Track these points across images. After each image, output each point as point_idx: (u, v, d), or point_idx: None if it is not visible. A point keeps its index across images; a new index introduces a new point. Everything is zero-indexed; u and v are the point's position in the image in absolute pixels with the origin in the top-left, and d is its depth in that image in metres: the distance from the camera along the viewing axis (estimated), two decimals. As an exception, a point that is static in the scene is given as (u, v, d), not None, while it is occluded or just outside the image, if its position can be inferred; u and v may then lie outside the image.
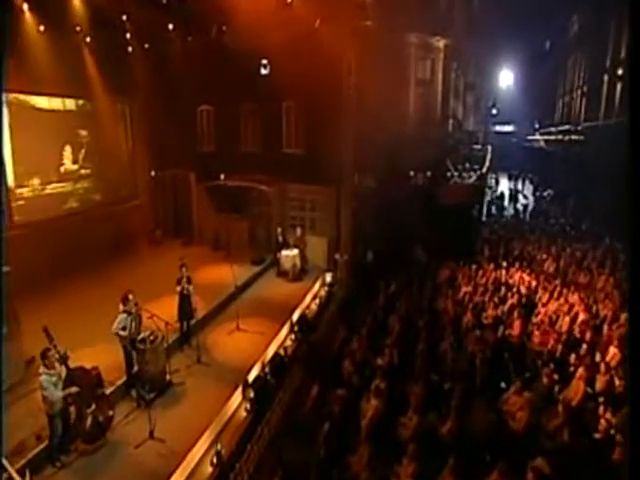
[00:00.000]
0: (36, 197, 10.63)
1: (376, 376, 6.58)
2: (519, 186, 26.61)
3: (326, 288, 11.10)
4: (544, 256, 12.71)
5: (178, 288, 7.89)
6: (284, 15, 8.93)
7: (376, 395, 6.06)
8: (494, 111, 20.80)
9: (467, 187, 16.01)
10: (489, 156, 22.73)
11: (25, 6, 9.13)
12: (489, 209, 21.38)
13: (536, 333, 8.21)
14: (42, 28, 9.62)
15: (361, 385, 6.65)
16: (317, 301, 10.44)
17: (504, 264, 11.79)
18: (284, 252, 11.13)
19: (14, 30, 9.19)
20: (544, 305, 9.49)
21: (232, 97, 11.25)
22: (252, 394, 6.85)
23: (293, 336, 8.80)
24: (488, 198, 22.04)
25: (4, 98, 9.37)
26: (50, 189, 10.93)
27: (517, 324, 8.42)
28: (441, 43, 13.44)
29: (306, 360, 7.92)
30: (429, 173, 13.68)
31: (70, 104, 11.15)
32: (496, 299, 9.75)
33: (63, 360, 5.61)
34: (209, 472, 5.66)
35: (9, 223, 10.02)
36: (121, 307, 6.66)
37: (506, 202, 22.67)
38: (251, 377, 7.29)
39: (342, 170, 10.76)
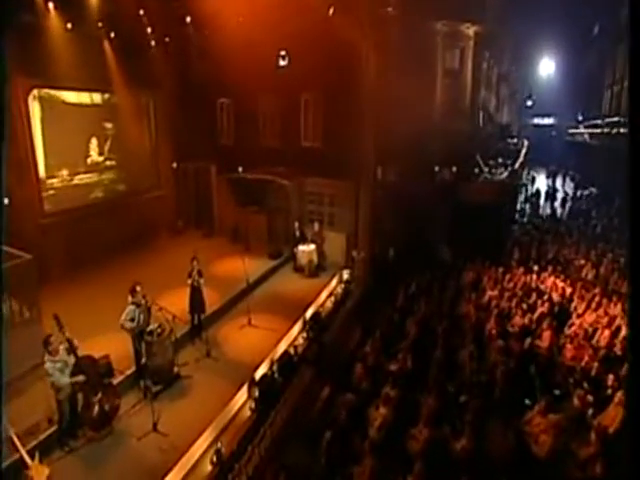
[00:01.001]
0: (65, 187, 11.04)
1: (387, 382, 6.33)
2: (558, 183, 25.00)
3: (343, 286, 10.88)
4: (582, 261, 11.61)
5: (189, 281, 7.95)
6: (301, 3, 8.68)
7: (385, 403, 5.83)
8: (529, 102, 19.62)
9: (497, 184, 15.26)
10: (524, 151, 21.60)
11: (51, 5, 9.37)
12: (523, 208, 20.14)
13: (569, 347, 7.48)
14: (69, 26, 9.89)
15: (371, 391, 6.39)
16: (332, 299, 10.24)
17: (535, 268, 10.97)
18: (301, 247, 11.02)
19: (42, 30, 9.52)
20: (580, 316, 8.67)
21: (250, 90, 11.16)
22: (257, 393, 6.78)
23: (305, 335, 8.66)
24: (522, 196, 20.89)
25: (33, 95, 9.69)
26: (77, 180, 11.32)
27: (547, 335, 7.70)
28: (471, 30, 12.71)
29: (316, 361, 7.78)
30: (455, 169, 13.10)
31: (97, 98, 11.47)
32: (524, 306, 9.04)
33: (71, 347, 5.76)
34: (208, 471, 5.64)
35: (40, 212, 10.51)
36: (130, 299, 6.76)
37: (542, 201, 21.15)
38: (258, 375, 7.21)
39: (361, 164, 10.47)
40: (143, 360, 6.87)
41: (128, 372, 6.99)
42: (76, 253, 10.52)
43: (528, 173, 24.46)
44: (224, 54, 9.84)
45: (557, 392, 6.31)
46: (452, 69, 13.27)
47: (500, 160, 19.61)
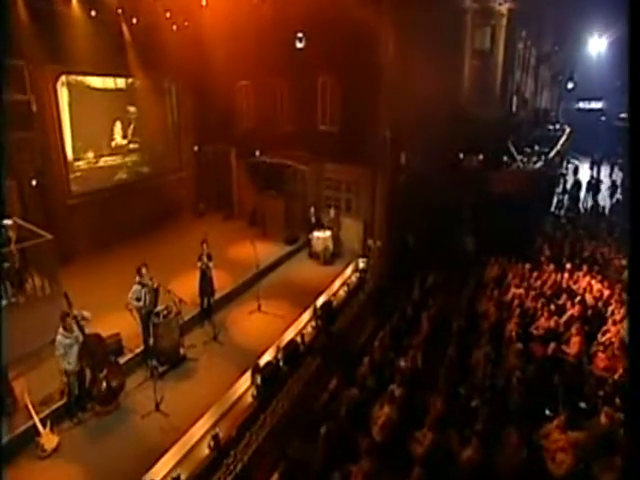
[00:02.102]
0: (90, 169, 11.44)
1: (394, 380, 6.15)
2: (603, 173, 22.98)
3: (358, 275, 10.71)
4: (623, 262, 10.32)
5: (199, 264, 8.06)
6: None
7: (390, 401, 5.65)
8: (570, 85, 18.20)
9: (530, 173, 14.41)
10: (564, 138, 20.25)
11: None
12: (561, 200, 18.75)
13: (601, 356, 6.77)
14: (93, 13, 10.08)
15: (376, 388, 6.22)
16: (346, 288, 10.10)
17: (568, 266, 9.99)
18: (316, 233, 10.91)
19: (67, 18, 9.75)
20: (617, 322, 7.77)
21: (268, 72, 11.02)
22: (260, 380, 6.81)
23: (314, 324, 8.60)
24: (561, 187, 19.53)
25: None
26: (102, 162, 11.70)
27: (576, 341, 6.99)
28: (504, 7, 11.81)
29: (323, 352, 7.70)
30: (481, 156, 12.47)
31: (120, 83, 11.72)
32: (552, 307, 8.30)
33: (77, 325, 6.02)
34: (205, 455, 5.74)
35: (67, 193, 10.97)
36: (137, 278, 6.94)
37: (584, 192, 18.99)
38: (263, 362, 7.22)
39: (379, 150, 10.14)
40: (151, 341, 7.11)
41: (137, 351, 7.25)
42: (101, 233, 10.92)
43: (568, 162, 22.91)
44: (242, 36, 9.71)
45: (583, 405, 5.80)
46: (482, 50, 12.48)
47: (537, 148, 18.53)
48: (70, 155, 10.90)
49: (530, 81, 17.40)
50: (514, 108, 15.05)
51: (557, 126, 23.97)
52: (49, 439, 5.69)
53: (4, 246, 7.44)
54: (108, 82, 11.46)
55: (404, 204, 11.85)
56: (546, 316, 7.97)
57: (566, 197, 18.84)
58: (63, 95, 10.47)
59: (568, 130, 22.81)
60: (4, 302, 7.11)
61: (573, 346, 7.03)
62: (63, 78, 10.40)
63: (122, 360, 6.99)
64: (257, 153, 11.62)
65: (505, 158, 13.60)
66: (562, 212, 17.24)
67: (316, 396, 6.65)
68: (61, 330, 5.92)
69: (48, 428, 5.75)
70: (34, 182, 9.16)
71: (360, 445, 5.19)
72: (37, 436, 5.64)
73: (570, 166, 23.09)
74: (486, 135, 13.03)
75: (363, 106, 10.08)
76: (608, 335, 7.36)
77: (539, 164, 15.77)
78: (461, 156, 12.41)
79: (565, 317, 7.88)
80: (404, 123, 10.26)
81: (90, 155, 11.40)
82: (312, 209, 11.35)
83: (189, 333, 7.98)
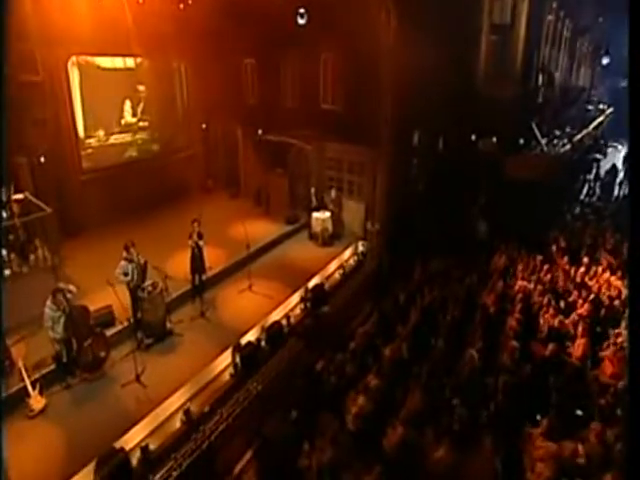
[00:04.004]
0: (101, 147, 11.81)
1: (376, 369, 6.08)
2: None
3: (356, 258, 10.62)
4: None
5: (190, 242, 8.22)
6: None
7: (364, 392, 5.66)
8: (605, 60, 16.71)
9: (551, 158, 13.58)
10: (600, 119, 18.79)
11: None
12: (592, 187, 17.20)
13: (608, 361, 6.28)
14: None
15: (355, 376, 6.18)
16: (341, 271, 10.04)
17: (585, 260, 9.32)
18: (315, 214, 10.83)
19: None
20: None
21: (272, 50, 10.80)
22: (239, 359, 6.94)
23: (302, 306, 8.65)
24: (593, 173, 18.14)
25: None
26: (113, 139, 12.03)
27: (580, 343, 6.55)
28: (526, -24, 10.93)
29: (306, 335, 7.74)
30: (494, 139, 11.82)
31: (130, 62, 11.87)
32: (562, 304, 7.83)
33: (65, 298, 6.35)
34: (176, 428, 5.96)
35: (79, 169, 11.41)
36: (124, 254, 7.19)
37: (620, 179, 17.16)
38: (245, 341, 7.33)
39: (382, 130, 9.82)
40: (139, 314, 7.42)
41: (127, 323, 7.58)
42: (111, 208, 11.26)
43: (607, 145, 21.27)
44: (248, 13, 9.51)
45: (579, 413, 5.41)
46: (502, 24, 11.59)
47: (569, 130, 17.36)
48: (81, 133, 11.27)
49: (563, 57, 16.11)
50: (539, 87, 14.04)
51: (601, 106, 22.30)
52: (37, 401, 6.12)
53: (10, 219, 7.92)
54: (117, 62, 11.64)
55: (412, 187, 11.53)
56: (551, 313, 7.52)
57: (598, 184, 17.58)
58: (74, 75, 10.76)
59: (608, 111, 21.08)
60: (7, 272, 7.60)
61: (577, 348, 6.60)
62: (73, 59, 10.67)
63: (113, 331, 7.38)
64: (259, 132, 11.57)
65: (522, 141, 12.80)
66: (592, 200, 16.12)
67: (294, 378, 6.75)
68: (49, 303, 6.27)
69: (37, 391, 6.18)
70: (42, 159, 9.56)
71: (327, 432, 5.22)
72: (27, 397, 6.08)
73: (610, 150, 21.47)
74: (504, 116, 12.30)
75: (366, 84, 9.72)
76: (620, 339, 6.77)
77: (566, 147, 14.79)
78: (473, 138, 11.78)
79: (573, 316, 7.36)
80: (411, 103, 9.83)
81: (101, 133, 11.74)
82: (313, 189, 11.25)
83: (179, 309, 8.24)
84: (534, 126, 14.04)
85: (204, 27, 10.96)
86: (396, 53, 9.17)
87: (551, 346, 6.49)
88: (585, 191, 17.21)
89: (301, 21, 9.28)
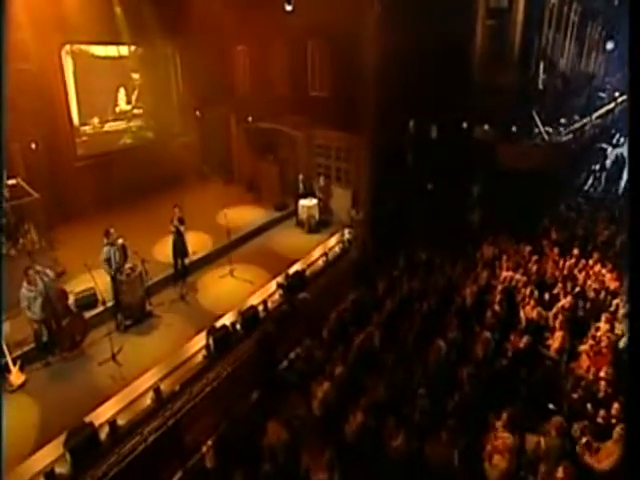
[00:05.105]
0: (96, 134, 12.05)
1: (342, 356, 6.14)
2: None
3: (341, 245, 10.65)
4: None
5: (171, 227, 8.41)
6: None
7: (328, 378, 5.76)
8: (609, 45, 16.05)
9: (548, 148, 13.24)
10: (609, 107, 18.15)
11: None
12: (598, 178, 16.68)
13: (588, 354, 6.16)
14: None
15: (325, 361, 6.23)
16: (325, 258, 10.10)
17: (575, 252, 9.12)
18: (302, 202, 10.90)
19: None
20: (613, 319, 7.04)
21: (262, 37, 10.78)
22: (212, 341, 7.08)
23: (281, 291, 8.76)
24: (599, 164, 17.59)
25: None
26: (107, 127, 12.26)
27: (558, 335, 6.48)
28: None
29: (281, 319, 7.86)
30: (487, 126, 11.60)
31: (123, 51, 12.00)
32: (547, 296, 7.71)
33: (42, 280, 6.62)
34: (146, 405, 6.13)
35: (74, 156, 11.68)
36: (105, 240, 7.42)
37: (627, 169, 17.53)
38: (220, 324, 7.43)
39: (366, 117, 9.76)
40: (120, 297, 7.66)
41: (109, 305, 7.84)
42: (106, 194, 11.55)
43: (614, 135, 20.60)
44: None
45: (551, 406, 5.43)
46: (498, 8, 11.24)
47: (577, 119, 16.87)
48: (76, 120, 11.52)
49: (570, 43, 15.57)
50: (540, 73, 13.64)
51: (616, 94, 21.54)
52: (17, 377, 6.44)
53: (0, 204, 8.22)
54: (111, 50, 11.79)
55: (402, 175, 11.43)
56: (532, 305, 7.41)
57: (604, 174, 17.06)
58: (68, 63, 10.96)
59: (621, 99, 20.38)
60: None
61: (555, 341, 6.55)
62: (67, 47, 10.86)
63: (96, 312, 7.66)
64: (249, 119, 11.63)
65: (522, 130, 12.49)
66: (591, 191, 15.72)
67: (264, 362, 6.91)
68: (25, 284, 6.53)
69: (17, 367, 6.51)
70: (33, 146, 9.83)
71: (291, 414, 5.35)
72: (8, 373, 6.41)
73: (622, 139, 20.77)
74: (501, 104, 12.04)
75: (352, 71, 9.65)
76: (599, 333, 6.65)
77: (567, 137, 14.40)
78: (465, 125, 11.58)
79: (555, 309, 7.24)
80: (398, 89, 9.71)
81: (95, 120, 11.97)
82: (301, 176, 11.29)
83: (161, 292, 8.49)
84: (535, 114, 13.68)
85: (200, 14, 11.01)
86: (381, 39, 9.05)
87: (525, 338, 6.44)
88: (590, 182, 16.76)
89: (288, 7, 9.22)
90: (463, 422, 4.91)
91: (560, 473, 4.14)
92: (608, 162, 17.82)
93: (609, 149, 18.70)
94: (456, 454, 4.54)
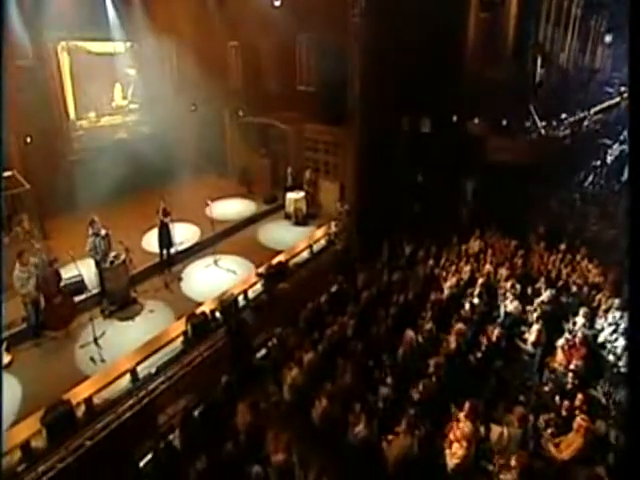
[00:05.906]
0: (92, 128, 12.38)
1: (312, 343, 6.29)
2: None
3: (327, 238, 10.79)
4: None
5: (157, 219, 8.68)
6: None
7: (297, 364, 5.93)
8: (608, 38, 15.75)
9: (543, 142, 13.16)
10: (612, 102, 17.87)
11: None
12: (598, 174, 16.84)
13: (563, 347, 6.30)
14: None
15: (298, 349, 6.30)
16: (309, 250, 10.24)
17: (562, 247, 9.22)
18: (289, 194, 11.08)
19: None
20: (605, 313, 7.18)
21: (253, 31, 10.93)
22: (190, 328, 7.29)
23: (263, 281, 8.93)
24: (599, 160, 17.35)
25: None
26: (103, 121, 12.58)
27: (534, 329, 6.66)
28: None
29: (260, 308, 8.08)
30: (476, 120, 11.58)
31: (119, 47, 12.27)
32: (529, 290, 7.85)
33: (34, 265, 6.94)
34: (123, 386, 6.38)
35: (70, 150, 12.01)
36: (90, 230, 7.71)
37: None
38: (199, 311, 7.59)
39: (354, 111, 9.87)
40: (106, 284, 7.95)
41: (95, 291, 8.16)
42: (101, 187, 11.84)
43: (621, 131, 20.26)
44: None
45: (522, 398, 5.62)
46: (492, 1, 11.17)
47: (580, 113, 16.68)
48: (72, 115, 11.85)
49: (572, 36, 15.38)
50: (537, 67, 13.52)
51: (623, 89, 21.22)
52: (4, 356, 6.78)
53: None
54: (107, 46, 12.05)
55: (390, 168, 11.50)
56: (511, 299, 7.53)
57: (604, 170, 16.86)
58: (64, 60, 11.29)
59: (626, 94, 20.01)
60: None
61: (532, 334, 6.70)
62: (63, 44, 11.18)
63: (82, 297, 7.97)
64: (240, 113, 11.83)
65: (516, 124, 12.44)
66: (585, 187, 15.55)
67: (239, 348, 7.12)
68: (18, 266, 6.87)
69: (4, 347, 6.84)
70: (28, 139, 10.17)
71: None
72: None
73: (620, 136, 20.44)
74: (494, 98, 12.01)
75: (339, 65, 9.74)
76: (575, 327, 6.87)
77: (563, 132, 14.28)
78: (455, 119, 11.58)
79: (535, 304, 7.38)
80: (385, 83, 9.79)
81: (92, 115, 12.29)
82: (289, 169, 11.47)
83: (147, 280, 8.77)
84: (531, 108, 13.61)
85: (195, 10, 11.21)
86: (371, 32, 9.13)
87: (497, 332, 6.56)
88: (591, 178, 16.58)
89: (276, 2, 9.36)
90: (426, 411, 5.07)
91: (513, 462, 4.28)
92: (609, 158, 17.61)
93: (615, 145, 18.42)
94: (415, 442, 4.67)
